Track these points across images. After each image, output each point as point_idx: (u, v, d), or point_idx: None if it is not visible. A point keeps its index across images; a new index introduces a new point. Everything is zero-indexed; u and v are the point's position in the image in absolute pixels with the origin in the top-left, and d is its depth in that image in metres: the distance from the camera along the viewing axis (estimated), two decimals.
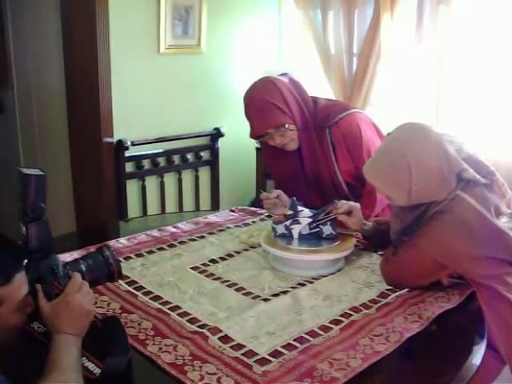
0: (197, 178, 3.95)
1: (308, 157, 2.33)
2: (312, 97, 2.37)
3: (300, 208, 2.04)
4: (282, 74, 2.36)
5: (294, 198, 2.06)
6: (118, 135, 3.46)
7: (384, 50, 3.40)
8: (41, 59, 3.99)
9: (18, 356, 1.44)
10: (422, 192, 1.75)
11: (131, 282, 1.88)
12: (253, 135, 2.31)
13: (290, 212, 2.02)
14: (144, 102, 3.60)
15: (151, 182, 3.71)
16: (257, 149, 4.06)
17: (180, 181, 3.85)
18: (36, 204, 1.40)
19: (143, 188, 3.65)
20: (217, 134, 3.95)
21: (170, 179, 3.80)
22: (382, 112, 3.41)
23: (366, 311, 1.68)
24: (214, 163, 4.01)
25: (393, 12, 3.30)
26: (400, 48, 3.39)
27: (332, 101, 2.58)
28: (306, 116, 2.28)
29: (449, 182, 1.74)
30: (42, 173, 1.42)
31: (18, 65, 4.31)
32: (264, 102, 2.22)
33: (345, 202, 2.04)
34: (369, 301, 1.75)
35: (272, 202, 2.24)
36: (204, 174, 4.00)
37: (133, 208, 3.63)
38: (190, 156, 3.86)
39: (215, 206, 4.04)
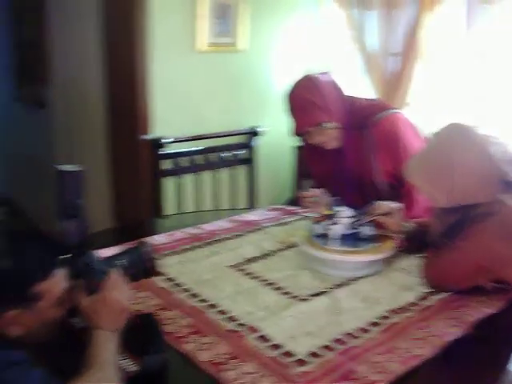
0: (234, 177, 3.95)
1: (349, 156, 2.31)
2: (351, 96, 2.35)
3: (339, 208, 2.01)
4: (323, 73, 2.34)
5: (334, 198, 2.04)
6: (156, 132, 3.47)
7: (425, 50, 3.35)
8: (81, 56, 4.04)
9: (57, 351, 1.45)
10: (463, 194, 1.72)
11: (168, 279, 1.88)
12: (294, 133, 2.31)
13: (330, 212, 2.00)
14: (182, 99, 3.60)
15: (188, 180, 3.71)
16: (295, 147, 4.04)
17: (216, 179, 3.85)
18: (73, 201, 1.41)
19: (180, 185, 3.66)
20: (254, 133, 3.94)
21: (206, 177, 3.80)
22: (421, 112, 3.36)
23: (406, 314, 1.66)
24: (250, 162, 4.00)
25: (435, 11, 3.25)
26: (442, 47, 3.33)
27: (371, 100, 2.56)
28: (346, 116, 2.27)
29: (491, 184, 1.71)
30: (79, 169, 1.42)
31: (59, 61, 4.36)
32: (304, 100, 2.22)
33: (385, 203, 2.02)
34: (408, 304, 1.72)
35: (312, 200, 2.22)
36: (241, 172, 3.99)
37: (169, 205, 3.63)
38: (227, 154, 3.85)
39: (251, 204, 4.03)
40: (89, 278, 1.37)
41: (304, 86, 2.28)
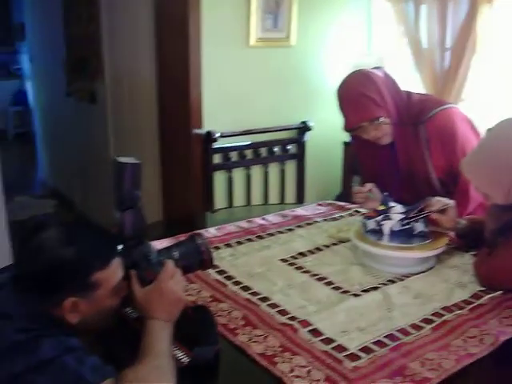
0: (283, 172, 3.95)
1: (402, 152, 2.29)
2: (406, 91, 2.33)
3: (392, 204, 2.00)
4: (376, 68, 2.32)
5: (387, 194, 2.03)
6: (207, 127, 3.50)
7: (480, 44, 3.29)
8: (133, 51, 4.10)
9: (111, 339, 1.49)
10: None
11: (221, 272, 1.90)
12: (346, 128, 2.29)
13: (382, 207, 1.99)
14: (233, 94, 3.62)
15: (238, 174, 3.73)
16: (344, 143, 4.02)
17: (266, 173, 3.86)
18: (132, 192, 1.43)
19: (230, 180, 3.68)
20: (304, 128, 3.93)
21: (256, 171, 3.82)
22: (476, 108, 3.30)
23: (459, 312, 1.64)
24: (300, 157, 4.00)
25: (492, 4, 3.19)
26: (499, 41, 3.26)
27: (425, 95, 2.53)
28: (400, 110, 2.24)
29: None
30: (137, 161, 1.45)
31: (111, 57, 4.44)
32: (359, 94, 2.20)
33: (439, 199, 1.99)
34: (461, 301, 1.70)
35: (365, 195, 2.21)
36: (290, 167, 3.99)
37: (220, 199, 3.66)
38: (276, 149, 3.86)
39: (300, 199, 4.03)
40: (145, 268, 1.40)
41: (358, 80, 2.25)
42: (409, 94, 2.33)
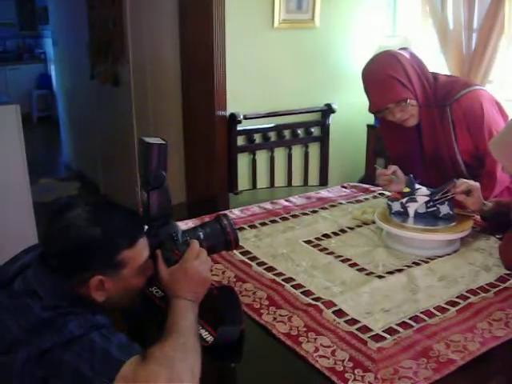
0: (306, 154, 3.94)
1: (427, 134, 2.27)
2: (433, 72, 2.30)
3: (417, 186, 1.99)
4: (402, 49, 2.30)
5: (412, 176, 2.01)
6: (230, 109, 3.50)
7: (508, 25, 3.23)
8: (156, 33, 4.10)
9: (138, 318, 1.51)
10: None
11: (245, 253, 1.91)
12: (372, 109, 2.27)
13: (407, 189, 1.98)
14: (257, 76, 3.61)
15: (261, 156, 3.73)
16: (368, 126, 4.00)
17: (290, 156, 3.85)
18: (158, 172, 1.44)
19: (254, 162, 3.68)
20: (328, 110, 3.91)
21: (280, 154, 3.81)
22: (503, 90, 3.26)
23: (484, 294, 1.63)
24: (324, 139, 3.98)
25: None
26: None
27: (452, 77, 2.50)
28: (427, 92, 2.22)
29: None
30: (164, 142, 1.45)
31: (134, 39, 4.44)
32: (386, 75, 2.18)
33: (464, 180, 1.97)
34: (486, 284, 1.69)
35: (388, 178, 2.19)
36: (314, 149, 3.98)
37: (243, 181, 3.67)
38: (300, 131, 3.85)
39: (323, 182, 4.02)
40: (171, 248, 1.41)
41: (385, 61, 2.23)
42: (436, 75, 2.30)
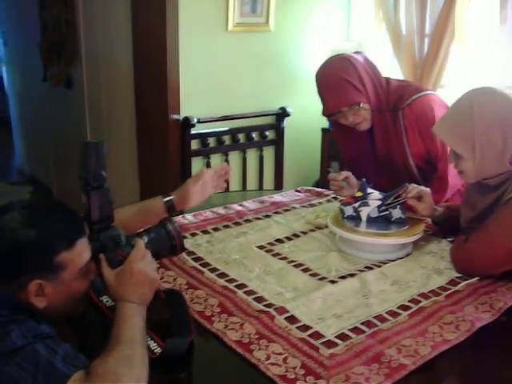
0: (261, 158, 3.94)
1: (380, 138, 2.28)
2: (385, 77, 2.32)
3: (369, 190, 2.00)
4: (356, 52, 2.31)
5: (364, 180, 2.02)
6: (184, 112, 3.47)
7: (459, 31, 3.28)
8: (110, 36, 4.04)
9: (85, 328, 1.47)
10: (486, 149, 1.70)
11: (197, 259, 1.88)
12: (326, 112, 2.27)
13: (360, 194, 1.99)
14: (211, 79, 3.59)
15: (216, 160, 3.71)
16: (322, 129, 4.01)
17: (244, 159, 3.84)
18: (97, 172, 1.40)
19: (208, 165, 3.65)
20: (282, 114, 3.91)
21: (234, 157, 3.80)
22: (454, 95, 3.30)
23: (436, 298, 1.64)
24: (278, 143, 3.98)
25: None
26: (478, 29, 3.26)
27: (404, 81, 2.53)
28: (380, 96, 2.24)
29: None
30: (101, 140, 1.42)
31: (87, 41, 4.37)
32: (339, 78, 2.18)
33: (415, 185, 1.99)
34: (438, 288, 1.70)
35: (339, 184, 2.20)
36: (268, 153, 3.97)
37: None
38: (255, 135, 3.85)
39: (278, 185, 4.02)
40: (114, 249, 1.37)
41: (339, 64, 2.23)
42: (388, 79, 2.32)
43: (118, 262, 1.35)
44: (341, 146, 2.52)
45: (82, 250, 1.28)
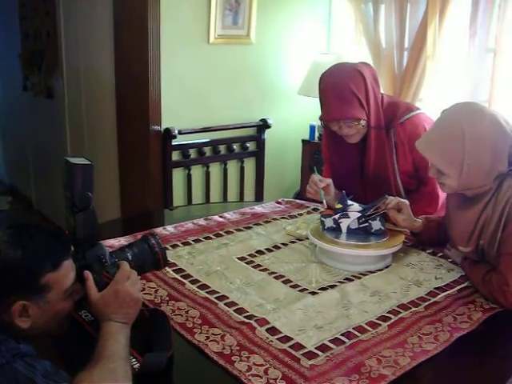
0: (242, 169, 3.95)
1: (374, 155, 2.28)
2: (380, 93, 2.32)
3: (349, 202, 2.01)
4: (364, 64, 2.29)
5: (344, 192, 2.04)
6: (165, 124, 3.47)
7: (432, 48, 3.33)
8: (91, 46, 4.04)
9: (65, 343, 1.46)
10: (473, 169, 1.70)
11: (178, 270, 1.89)
12: (325, 119, 2.26)
13: (340, 206, 2.00)
14: (192, 91, 3.60)
15: (197, 172, 3.72)
16: (303, 141, 4.04)
17: (225, 171, 3.85)
18: (83, 194, 1.40)
19: (189, 177, 3.66)
20: (263, 126, 3.93)
21: (215, 169, 3.81)
22: (432, 108, 3.34)
23: (415, 309, 1.66)
24: (259, 154, 4.00)
25: (445, 6, 3.23)
26: (451, 43, 3.31)
27: (393, 98, 2.52)
28: (379, 114, 2.24)
29: (502, 158, 1.70)
30: (89, 162, 1.42)
31: (69, 51, 4.37)
32: (348, 90, 2.16)
33: (394, 198, 2.01)
34: (417, 298, 1.72)
35: (316, 190, 2.21)
36: (249, 164, 3.99)
37: (178, 197, 3.64)
38: (236, 146, 3.86)
39: (259, 197, 4.03)
40: (99, 270, 1.38)
41: (350, 75, 2.20)
42: (383, 95, 2.33)
43: (104, 284, 1.35)
44: (330, 153, 2.49)
45: (68, 271, 1.27)
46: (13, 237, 1.20)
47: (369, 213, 1.98)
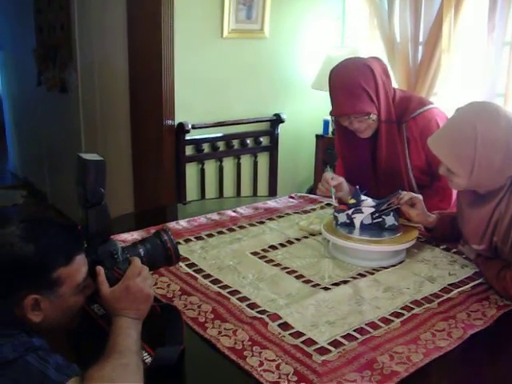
0: (255, 164, 3.94)
1: (386, 149, 2.27)
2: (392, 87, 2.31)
3: (363, 197, 2.00)
4: (374, 58, 2.29)
5: (358, 187, 2.03)
6: (179, 118, 3.47)
7: (447, 42, 3.30)
8: (105, 41, 4.05)
9: (77, 337, 1.46)
10: (484, 170, 1.69)
11: (191, 265, 1.89)
12: (334, 114, 2.26)
13: (353, 201, 1.99)
14: (206, 85, 3.60)
15: (210, 166, 3.72)
16: (317, 136, 4.02)
17: (239, 165, 3.85)
18: (96, 189, 1.40)
19: (202, 171, 3.66)
20: (277, 120, 3.92)
21: (228, 164, 3.81)
22: (447, 102, 3.32)
23: (428, 305, 1.64)
24: (273, 149, 3.99)
25: (459, 9, 3.21)
26: (467, 37, 3.28)
27: (406, 92, 2.51)
28: (390, 108, 2.23)
29: None
30: (101, 158, 1.42)
31: (83, 46, 4.38)
32: (357, 85, 2.16)
33: (407, 192, 2.00)
34: (431, 295, 1.71)
35: (327, 188, 2.21)
36: (263, 159, 3.98)
37: (191, 191, 3.64)
38: (249, 141, 3.85)
39: (273, 192, 4.02)
40: (111, 265, 1.38)
41: (359, 70, 2.19)
42: (395, 90, 2.32)
43: (115, 280, 1.36)
44: (342, 148, 2.48)
45: (80, 266, 1.28)
46: (26, 231, 1.20)
47: (382, 208, 1.97)
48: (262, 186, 4.03)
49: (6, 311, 1.18)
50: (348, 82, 2.19)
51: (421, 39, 3.53)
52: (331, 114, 2.27)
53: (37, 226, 1.24)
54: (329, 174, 2.26)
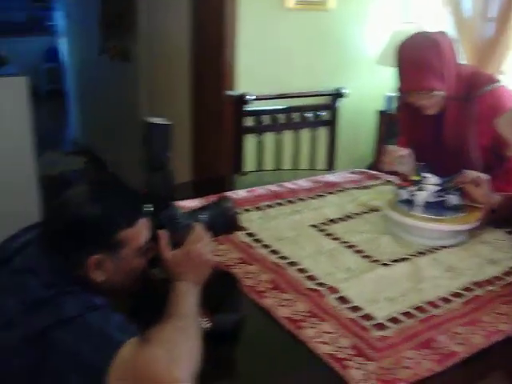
0: (314, 138, 3.91)
1: (451, 126, 2.22)
2: (458, 63, 2.25)
3: (427, 175, 1.96)
4: (442, 33, 2.21)
5: (422, 164, 1.99)
6: (240, 89, 3.46)
7: None
8: (168, 9, 4.06)
9: (138, 300, 1.49)
10: None
11: (250, 234, 1.89)
12: (402, 89, 2.22)
13: (417, 177, 1.95)
14: (268, 57, 3.57)
15: (269, 138, 3.70)
16: (379, 112, 3.96)
17: (298, 139, 3.82)
18: (161, 153, 1.41)
19: (261, 143, 3.66)
20: (338, 95, 3.86)
21: (287, 136, 3.78)
22: None
23: (490, 288, 1.61)
24: (332, 123, 3.94)
25: None
26: None
27: (474, 68, 2.44)
28: (458, 85, 2.16)
29: None
30: (168, 122, 1.42)
31: (146, 14, 4.39)
32: (424, 61, 2.10)
33: (473, 172, 1.95)
34: (493, 277, 1.67)
35: (393, 158, 2.17)
36: (322, 133, 3.94)
37: (249, 162, 3.65)
38: (309, 114, 3.82)
39: (330, 166, 3.99)
40: (172, 230, 1.39)
41: (425, 45, 2.14)
42: (461, 66, 2.25)
43: (177, 244, 1.37)
44: (407, 125, 2.44)
45: (143, 229, 1.29)
46: (93, 192, 1.23)
47: (446, 186, 1.92)
48: (320, 161, 3.99)
49: (70, 269, 1.21)
50: (415, 57, 2.14)
51: (491, 15, 3.42)
52: (399, 89, 2.22)
53: (104, 188, 1.27)
54: (392, 147, 2.22)
